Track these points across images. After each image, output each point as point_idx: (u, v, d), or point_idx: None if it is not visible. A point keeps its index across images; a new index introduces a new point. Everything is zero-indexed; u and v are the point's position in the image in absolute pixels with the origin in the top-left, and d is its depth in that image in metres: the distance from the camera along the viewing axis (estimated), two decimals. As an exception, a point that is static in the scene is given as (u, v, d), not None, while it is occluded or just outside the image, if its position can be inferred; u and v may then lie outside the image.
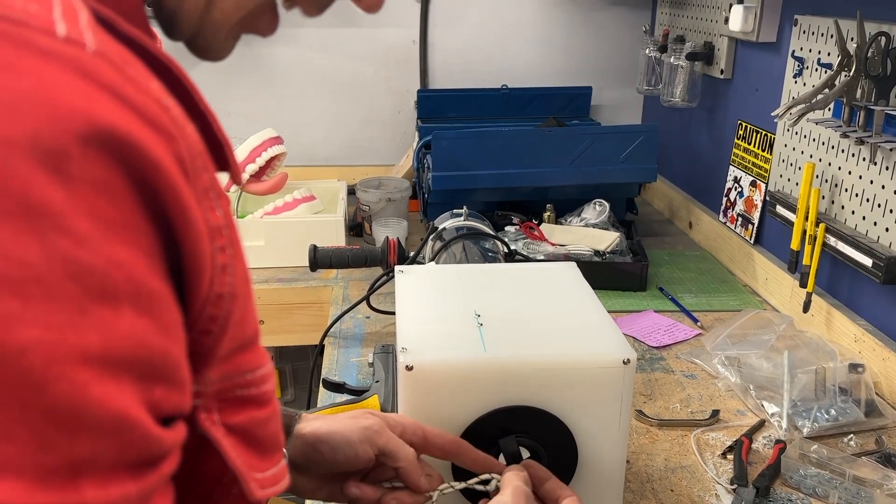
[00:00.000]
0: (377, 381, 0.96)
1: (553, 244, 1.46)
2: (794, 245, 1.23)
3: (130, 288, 0.30)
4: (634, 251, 1.48)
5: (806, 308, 1.22)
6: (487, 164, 1.53)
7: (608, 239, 1.46)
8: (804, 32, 1.27)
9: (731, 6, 1.46)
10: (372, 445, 0.61)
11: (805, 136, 1.28)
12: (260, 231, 1.51)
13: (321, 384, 1.03)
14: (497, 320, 0.74)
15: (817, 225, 1.18)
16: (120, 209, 0.29)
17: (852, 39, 1.09)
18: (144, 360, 0.30)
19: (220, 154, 0.37)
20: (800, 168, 1.29)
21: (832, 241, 1.16)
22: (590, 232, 1.51)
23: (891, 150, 1.05)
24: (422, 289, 0.83)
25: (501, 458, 0.68)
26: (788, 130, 1.33)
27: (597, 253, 1.44)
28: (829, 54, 1.20)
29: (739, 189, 1.52)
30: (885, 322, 1.11)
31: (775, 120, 1.22)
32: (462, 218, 1.23)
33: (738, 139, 1.53)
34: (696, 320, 1.30)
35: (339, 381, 1.00)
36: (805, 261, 1.20)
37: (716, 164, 1.65)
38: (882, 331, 1.11)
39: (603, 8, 1.99)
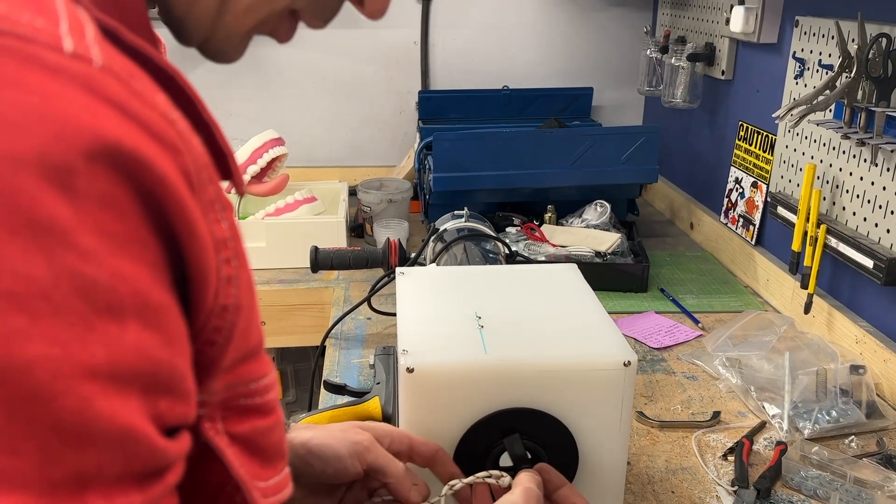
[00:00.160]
0: (378, 383, 0.96)
1: (554, 245, 1.46)
2: (796, 246, 1.23)
3: (136, 302, 0.30)
4: (635, 252, 1.48)
5: (807, 309, 1.22)
6: (488, 166, 1.54)
7: (609, 240, 1.46)
8: (805, 33, 1.27)
9: (732, 7, 1.46)
10: (361, 461, 0.62)
11: (806, 138, 1.28)
12: (261, 232, 1.51)
13: (322, 386, 1.03)
14: (498, 322, 0.74)
15: (818, 226, 1.18)
16: (126, 224, 0.30)
17: (853, 41, 1.09)
18: (150, 373, 0.30)
19: (223, 164, 0.37)
20: (801, 169, 1.29)
21: (833, 242, 1.16)
22: (591, 233, 1.51)
23: (892, 151, 1.05)
24: (423, 290, 0.83)
25: (507, 459, 0.68)
26: (789, 131, 1.33)
27: (598, 254, 1.44)
28: (830, 55, 1.20)
29: (740, 190, 1.52)
30: (887, 323, 1.11)
31: (776, 121, 1.22)
32: (463, 219, 1.23)
33: (740, 140, 1.53)
34: (697, 321, 1.30)
35: (340, 383, 1.00)
36: (806, 262, 1.21)
37: (717, 165, 1.65)
38: (883, 332, 1.11)
39: (604, 9, 1.99)
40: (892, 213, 1.07)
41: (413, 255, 1.25)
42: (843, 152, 1.17)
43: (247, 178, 1.53)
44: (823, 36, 1.21)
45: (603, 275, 1.39)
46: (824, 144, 1.22)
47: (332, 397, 1.01)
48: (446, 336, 0.72)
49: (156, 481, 0.31)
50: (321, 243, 1.30)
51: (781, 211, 1.31)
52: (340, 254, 1.28)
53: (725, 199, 1.59)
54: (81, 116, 0.28)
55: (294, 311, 1.46)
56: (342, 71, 1.97)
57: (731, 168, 1.56)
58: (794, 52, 1.30)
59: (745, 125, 1.51)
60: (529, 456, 0.68)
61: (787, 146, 1.34)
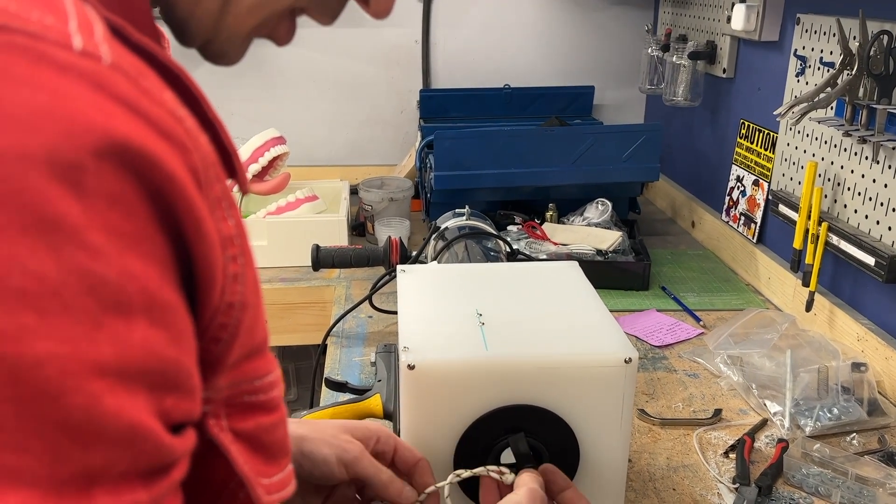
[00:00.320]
0: (379, 381, 0.96)
1: (555, 243, 1.47)
2: (797, 244, 1.23)
3: (144, 299, 0.30)
4: (637, 250, 1.48)
5: (808, 307, 1.22)
6: (490, 164, 1.54)
7: (610, 238, 1.46)
8: (806, 31, 1.27)
9: (733, 5, 1.46)
10: (348, 470, 0.62)
11: (807, 135, 1.28)
12: (263, 231, 1.51)
13: (324, 383, 1.03)
14: (499, 320, 0.75)
15: (820, 224, 1.18)
16: (134, 222, 0.30)
17: (854, 38, 1.09)
18: (157, 371, 0.31)
19: (227, 162, 0.38)
20: (802, 167, 1.29)
21: (835, 239, 1.16)
22: (592, 231, 1.51)
23: (893, 148, 1.05)
24: (424, 288, 0.84)
25: (507, 456, 0.68)
26: (791, 129, 1.33)
27: (599, 252, 1.44)
28: (831, 53, 1.20)
29: (742, 188, 1.52)
30: (888, 321, 1.11)
31: (778, 119, 1.22)
32: (464, 217, 1.24)
33: (741, 138, 1.53)
34: (698, 319, 1.30)
35: (341, 381, 1.00)
36: (808, 260, 1.21)
37: (718, 164, 1.65)
38: (885, 330, 1.11)
39: (605, 7, 1.99)
40: (893, 210, 1.07)
41: (414, 253, 1.25)
42: (845, 150, 1.17)
43: (248, 176, 1.53)
44: (825, 33, 1.21)
45: (604, 273, 1.39)
46: (826, 142, 1.22)
47: (334, 395, 1.01)
48: (447, 333, 0.72)
49: (161, 478, 0.31)
50: (322, 242, 1.30)
51: (783, 209, 1.31)
52: (342, 252, 1.28)
53: (727, 197, 1.59)
54: (90, 114, 0.28)
55: (295, 309, 1.46)
56: (343, 70, 1.97)
57: (733, 166, 1.56)
58: (796, 50, 1.30)
59: (746, 123, 1.51)
60: (532, 454, 0.68)
61: (788, 144, 1.34)
